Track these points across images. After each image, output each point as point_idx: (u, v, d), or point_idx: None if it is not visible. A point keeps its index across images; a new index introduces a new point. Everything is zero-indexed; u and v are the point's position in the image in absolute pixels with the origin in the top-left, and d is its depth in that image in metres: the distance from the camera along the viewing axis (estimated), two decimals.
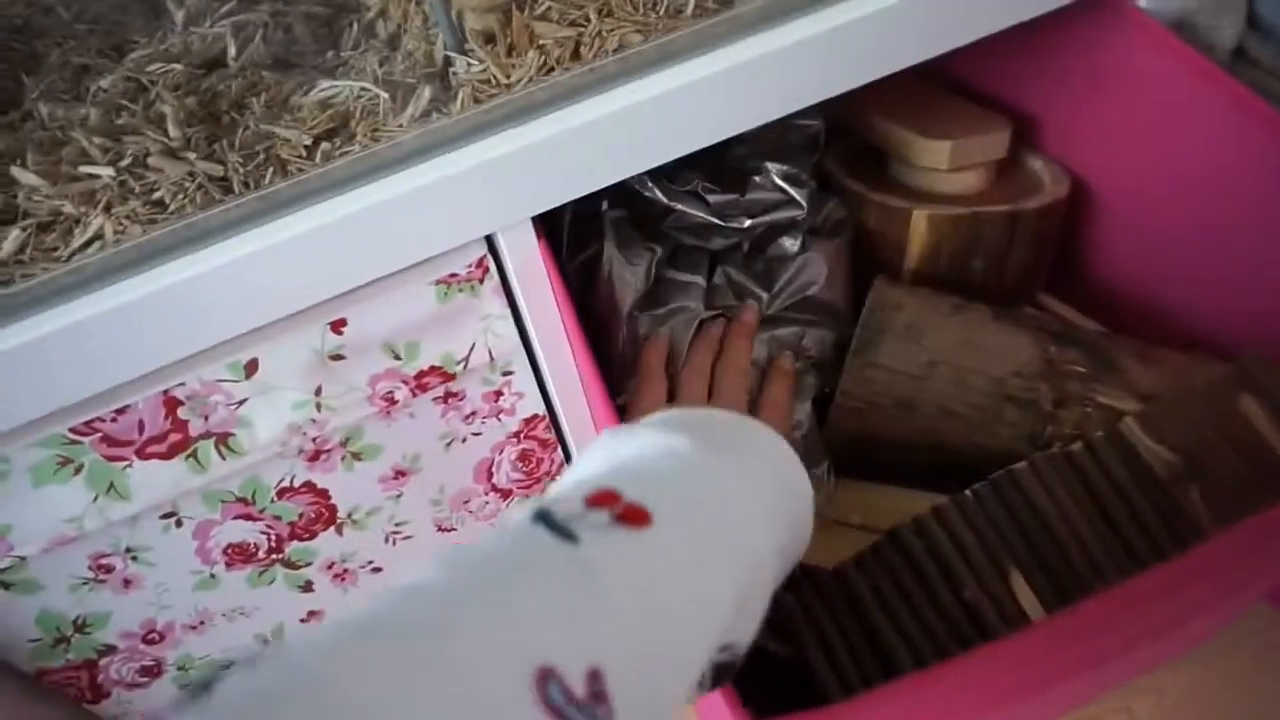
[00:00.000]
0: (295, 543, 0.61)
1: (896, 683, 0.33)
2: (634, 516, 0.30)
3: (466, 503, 0.66)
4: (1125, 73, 0.56)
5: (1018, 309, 0.57)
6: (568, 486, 0.33)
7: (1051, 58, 0.61)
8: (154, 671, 0.64)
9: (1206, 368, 0.51)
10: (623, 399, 0.53)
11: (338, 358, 0.51)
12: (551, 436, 0.65)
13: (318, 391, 0.52)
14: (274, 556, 0.61)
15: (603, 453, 0.37)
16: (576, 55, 0.49)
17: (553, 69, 0.48)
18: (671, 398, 0.51)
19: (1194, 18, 0.63)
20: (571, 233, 0.58)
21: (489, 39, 0.50)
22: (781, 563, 0.38)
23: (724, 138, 0.49)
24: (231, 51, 0.54)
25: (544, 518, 0.30)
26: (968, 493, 0.45)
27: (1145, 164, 0.58)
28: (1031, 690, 0.33)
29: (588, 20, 0.50)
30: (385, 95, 0.49)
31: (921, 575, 0.43)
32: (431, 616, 0.25)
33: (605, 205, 0.56)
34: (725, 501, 0.34)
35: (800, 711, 0.33)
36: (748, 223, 0.56)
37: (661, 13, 0.50)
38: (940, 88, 0.68)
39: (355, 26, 0.55)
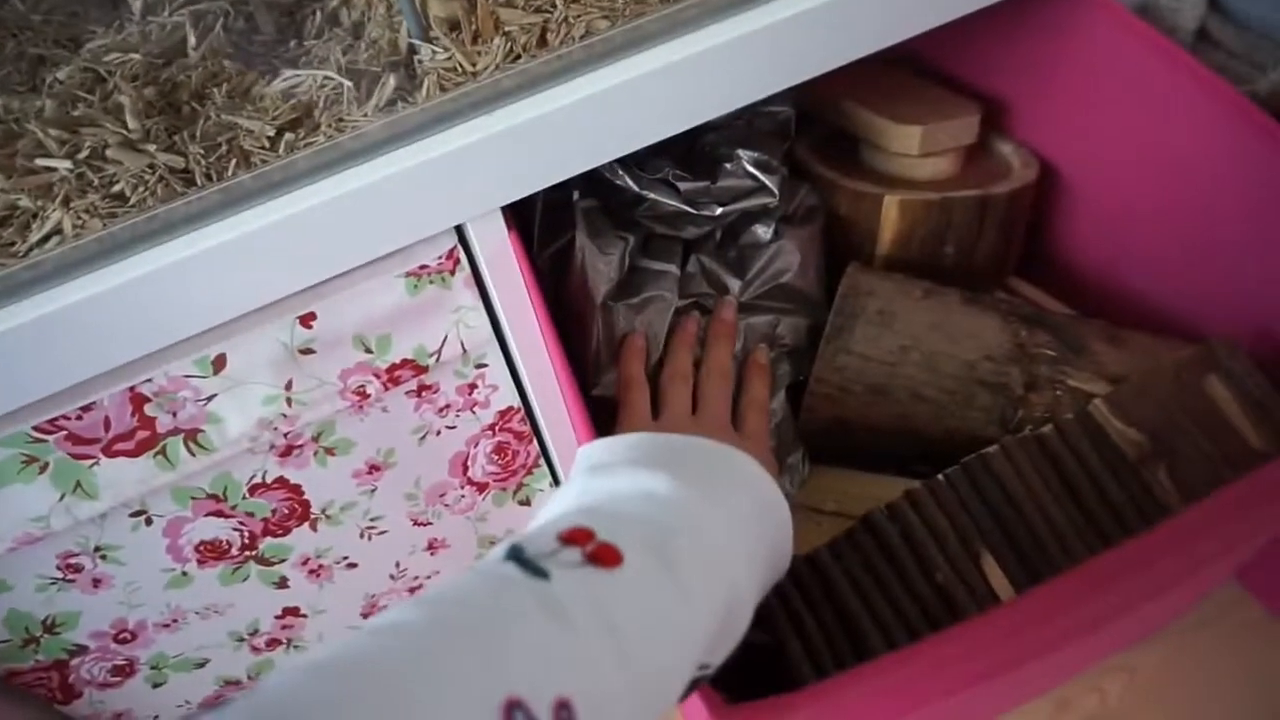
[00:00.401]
0: (269, 539, 0.60)
1: (868, 665, 0.33)
2: (605, 556, 0.32)
3: (442, 496, 0.65)
4: (1090, 56, 0.56)
5: (988, 293, 0.58)
6: (542, 523, 0.34)
7: (1017, 41, 0.61)
8: (126, 671, 0.64)
9: (1174, 349, 0.51)
10: (598, 390, 0.53)
11: (308, 352, 0.50)
12: (527, 429, 0.64)
13: (288, 386, 0.51)
14: (247, 553, 0.60)
15: (578, 488, 0.38)
16: (543, 42, 0.48)
17: (519, 56, 0.48)
18: (655, 400, 0.51)
19: (1157, 0, 0.63)
20: (543, 223, 0.58)
21: (454, 26, 0.50)
22: (762, 586, 0.39)
23: (694, 124, 0.49)
24: (191, 41, 0.53)
25: (516, 554, 0.31)
26: (940, 477, 0.45)
27: (1111, 147, 0.58)
28: (1002, 670, 0.34)
29: (554, 6, 0.49)
30: (349, 84, 0.48)
31: (895, 559, 0.44)
32: (402, 654, 0.26)
33: (576, 195, 0.56)
34: (702, 541, 0.35)
35: (774, 695, 0.33)
36: (719, 210, 0.56)
37: None
38: (910, 73, 0.68)
39: (318, 15, 0.54)
